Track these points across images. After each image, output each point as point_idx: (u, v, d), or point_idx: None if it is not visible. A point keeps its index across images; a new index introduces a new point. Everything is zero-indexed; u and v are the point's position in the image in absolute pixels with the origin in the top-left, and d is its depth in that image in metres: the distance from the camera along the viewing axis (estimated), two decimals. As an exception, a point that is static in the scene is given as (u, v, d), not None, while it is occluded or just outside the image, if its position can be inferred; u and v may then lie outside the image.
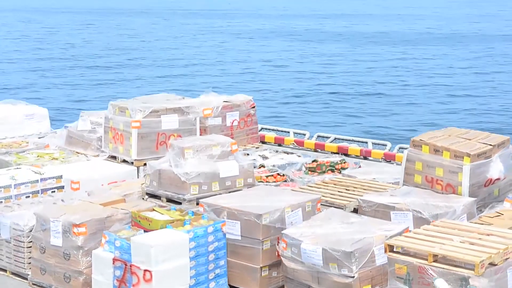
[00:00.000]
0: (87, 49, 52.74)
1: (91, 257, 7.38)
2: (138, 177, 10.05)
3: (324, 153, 13.06)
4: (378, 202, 7.96)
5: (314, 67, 44.05)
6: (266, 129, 14.84)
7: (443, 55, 49.56)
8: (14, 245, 8.15)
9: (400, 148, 13.22)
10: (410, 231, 7.15)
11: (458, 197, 8.13)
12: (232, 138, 11.12)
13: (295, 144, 13.60)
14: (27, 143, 11.54)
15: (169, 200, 8.47)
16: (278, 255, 7.35)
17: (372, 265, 6.80)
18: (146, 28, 72.85)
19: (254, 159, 10.69)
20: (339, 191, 8.69)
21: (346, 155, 12.86)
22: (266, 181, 9.59)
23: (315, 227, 7.29)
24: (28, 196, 8.92)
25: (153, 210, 7.78)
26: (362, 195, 8.34)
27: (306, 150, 13.33)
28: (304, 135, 14.32)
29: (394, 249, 6.54)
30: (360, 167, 10.44)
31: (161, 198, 8.55)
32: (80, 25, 75.78)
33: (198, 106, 10.95)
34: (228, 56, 49.79)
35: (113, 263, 7.09)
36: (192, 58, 48.65)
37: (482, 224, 7.35)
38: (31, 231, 7.97)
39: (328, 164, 10.38)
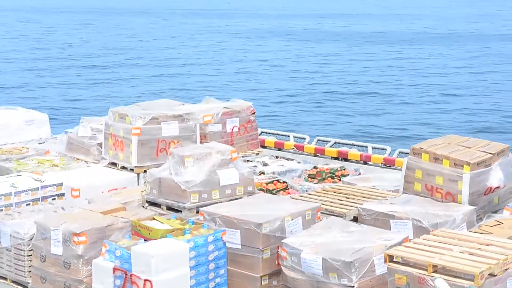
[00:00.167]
0: (84, 49, 53.02)
1: (91, 266, 7.38)
2: (138, 184, 10.06)
3: (324, 157, 13.08)
4: (378, 211, 7.98)
5: (309, 67, 44.38)
6: (266, 133, 14.87)
7: (439, 55, 49.96)
8: (14, 253, 8.16)
9: (400, 152, 13.25)
10: (410, 240, 7.17)
11: (458, 206, 8.14)
12: (232, 144, 11.20)
13: (295, 148, 13.62)
14: (27, 149, 11.55)
15: (169, 208, 8.48)
16: (278, 264, 7.36)
17: (372, 275, 6.80)
18: (145, 27, 73.07)
19: (255, 166, 10.71)
20: (339, 199, 8.70)
21: (346, 160, 12.89)
22: (266, 188, 9.60)
23: (315, 236, 7.30)
24: (29, 204, 8.93)
25: (153, 219, 7.79)
26: (362, 204, 8.36)
27: (306, 154, 13.35)
28: (304, 139, 14.35)
29: (394, 259, 6.57)
30: (360, 174, 10.45)
31: (161, 206, 8.56)
32: (79, 24, 75.98)
33: (198, 112, 10.96)
34: (224, 56, 50.12)
35: (114, 273, 7.10)
36: (188, 58, 48.95)
37: (482, 233, 7.36)
38: (31, 239, 7.98)
39: (328, 171, 10.40)
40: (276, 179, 9.89)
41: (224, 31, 69.17)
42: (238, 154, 11.11)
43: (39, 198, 9.05)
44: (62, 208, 8.47)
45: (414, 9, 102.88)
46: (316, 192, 9.13)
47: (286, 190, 9.68)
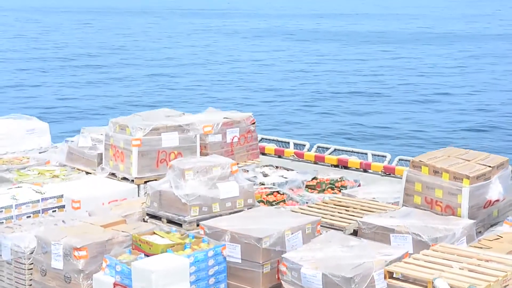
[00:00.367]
0: (81, 49, 53.27)
1: (92, 280, 7.40)
2: (138, 195, 10.08)
3: (324, 165, 13.12)
4: (378, 225, 8.00)
5: (303, 66, 44.76)
6: (265, 139, 14.91)
7: (434, 55, 50.25)
8: (15, 266, 8.16)
9: (399, 159, 13.30)
10: (409, 255, 7.19)
11: (458, 219, 8.16)
12: (232, 154, 11.24)
13: (295, 156, 13.66)
14: (28, 159, 11.56)
15: (170, 221, 8.51)
16: (278, 278, 7.37)
17: (372, 291, 6.82)
18: (143, 27, 73.44)
19: (254, 176, 10.73)
20: (339, 212, 8.72)
21: (346, 167, 12.92)
22: (266, 200, 9.62)
23: (315, 250, 7.30)
24: (29, 216, 8.94)
25: (154, 233, 7.81)
26: (361, 217, 8.38)
27: (306, 162, 13.38)
28: (304, 145, 14.38)
29: (394, 275, 6.58)
30: (359, 185, 10.46)
31: (162, 219, 8.59)
32: (77, 24, 76.24)
33: (198, 123, 10.98)
34: (218, 55, 50.44)
35: (114, 288, 7.13)
36: (182, 58, 49.21)
37: (482, 248, 7.37)
38: (32, 253, 7.99)
39: (328, 182, 10.42)
40: (276, 190, 9.90)
41: (221, 31, 69.64)
42: (238, 164, 11.21)
43: (39, 210, 9.06)
44: (63, 221, 8.46)
45: (413, 9, 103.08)
46: (316, 204, 9.15)
47: (286, 202, 9.70)
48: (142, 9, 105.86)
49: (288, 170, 11.22)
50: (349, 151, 14.04)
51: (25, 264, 8.05)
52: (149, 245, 7.47)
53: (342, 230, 8.19)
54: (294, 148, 14.29)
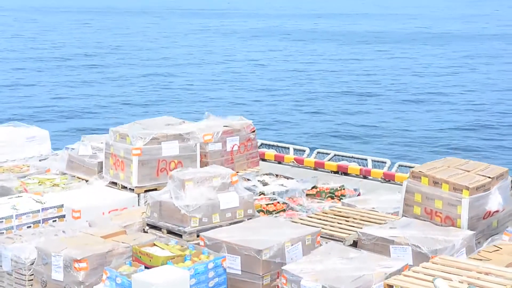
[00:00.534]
0: (78, 48, 53.48)
1: (92, 292, 7.43)
2: (139, 204, 10.09)
3: (324, 171, 13.14)
4: (378, 236, 8.01)
5: (297, 66, 45.09)
6: (265, 144, 14.93)
7: (429, 55, 50.51)
8: (15, 277, 8.18)
9: (399, 165, 13.32)
10: (409, 266, 7.21)
11: (457, 230, 8.18)
12: (232, 162, 11.25)
13: (295, 162, 13.68)
14: (28, 167, 11.57)
15: (170, 232, 8.51)
16: (279, 290, 7.40)
17: (371, 303, 6.84)
18: (141, 27, 73.57)
19: (254, 185, 10.74)
20: (338, 223, 8.73)
21: (346, 174, 12.95)
22: (266, 210, 9.63)
23: (315, 262, 7.32)
24: (30, 226, 8.96)
25: (154, 244, 7.83)
26: (361, 227, 8.39)
27: (306, 168, 13.41)
28: (304, 151, 14.41)
29: (393, 289, 6.61)
30: (359, 194, 10.48)
31: (162, 229, 8.59)
32: (76, 24, 76.36)
33: (198, 131, 10.98)
34: (214, 55, 50.68)
35: (114, 300, 7.14)
36: (178, 57, 49.44)
37: (481, 259, 7.40)
38: (32, 264, 8.01)
39: (328, 190, 10.43)
40: (276, 200, 9.92)
41: (219, 31, 69.84)
42: (238, 172, 11.22)
43: (40, 220, 9.08)
44: (63, 232, 8.49)
45: (413, 9, 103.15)
46: (316, 214, 9.16)
47: (286, 211, 9.71)
48: (141, 9, 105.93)
49: (288, 179, 11.22)
50: (349, 157, 14.07)
51: (25, 275, 8.08)
52: (150, 257, 7.49)
53: (342, 241, 8.20)
54: (294, 153, 14.32)
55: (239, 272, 7.58)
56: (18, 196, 9.59)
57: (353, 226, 8.57)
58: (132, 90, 36.11)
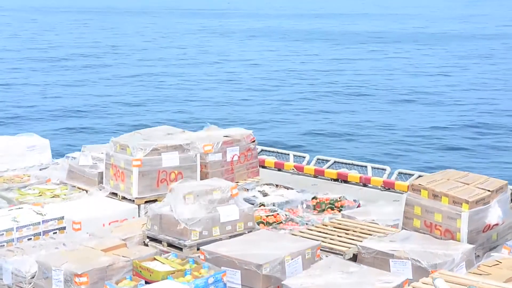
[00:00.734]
0: (75, 48, 53.57)
1: (92, 307, 7.45)
2: (139, 215, 10.12)
3: (324, 179, 13.17)
4: (377, 250, 8.03)
5: (290, 65, 45.24)
6: (265, 151, 14.97)
7: (425, 55, 50.72)
8: (16, 291, 8.21)
9: (399, 173, 13.34)
10: (409, 281, 7.23)
11: (457, 244, 8.20)
12: (232, 173, 11.29)
13: (295, 169, 13.71)
14: (29, 176, 11.59)
15: (170, 245, 8.53)
16: (279, 304, 7.42)
17: (371, 319, 6.86)
18: (140, 27, 73.81)
19: (254, 196, 10.76)
20: (338, 235, 8.75)
21: (346, 181, 12.97)
22: (266, 221, 9.65)
23: (315, 277, 7.33)
24: (30, 239, 8.98)
25: (154, 259, 7.85)
26: (361, 240, 8.41)
27: (306, 176, 13.43)
28: (304, 157, 14.44)
29: (393, 305, 6.63)
30: (359, 205, 10.49)
31: (162, 242, 8.61)
32: (75, 24, 76.52)
33: (198, 142, 11.01)
34: (209, 55, 51.04)
35: (115, 315, 7.16)
36: (173, 57, 49.70)
37: (481, 274, 7.41)
38: (33, 277, 8.01)
39: (328, 201, 10.44)
40: (276, 212, 9.93)
41: (217, 31, 70.07)
42: (238, 182, 11.25)
43: (40, 232, 9.08)
44: (64, 244, 8.50)
45: (412, 9, 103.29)
46: (316, 226, 9.18)
47: (286, 223, 9.73)
48: (141, 9, 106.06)
49: (288, 189, 11.23)
50: (348, 164, 14.11)
51: (26, 288, 8.09)
52: (150, 272, 7.50)
53: (342, 255, 8.22)
54: (293, 160, 14.36)
55: (239, 287, 7.58)
56: (19, 208, 9.60)
57: (353, 239, 8.59)
58: (124, 90, 36.34)
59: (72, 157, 12.00)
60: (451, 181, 8.77)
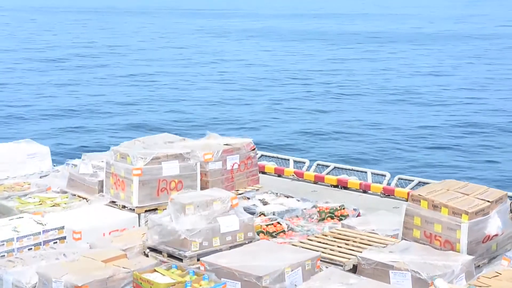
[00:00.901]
0: (73, 49, 53.71)
1: (93, 319, 7.45)
2: (139, 225, 10.13)
3: (324, 185, 13.19)
4: (377, 261, 8.04)
5: (284, 65, 45.28)
6: (266, 156, 14.99)
7: (420, 55, 50.77)
8: (16, 302, 8.22)
9: (399, 179, 13.37)
10: (408, 293, 7.26)
11: (457, 255, 8.20)
12: (232, 181, 11.30)
13: (295, 175, 13.73)
14: (29, 184, 11.60)
15: (170, 255, 8.54)
16: (278, 316, 7.43)
17: (371, 332, 6.87)
18: (138, 27, 73.86)
19: (254, 204, 10.76)
20: (338, 246, 8.76)
21: (346, 188, 12.99)
22: (266, 231, 9.66)
23: (314, 289, 7.36)
24: (31, 249, 8.99)
25: (155, 270, 7.85)
26: (361, 251, 8.42)
27: (306, 182, 13.46)
28: (304, 163, 14.46)
29: (393, 319, 6.64)
30: (359, 214, 10.51)
31: (162, 253, 8.62)
32: (74, 24, 76.59)
33: (199, 150, 11.02)
34: (204, 55, 51.17)
35: (115, 328, 7.17)
36: (169, 57, 49.85)
37: (481, 286, 7.42)
38: (33, 288, 8.05)
39: (328, 210, 10.45)
40: (276, 221, 9.94)
41: (214, 31, 70.13)
42: (238, 191, 11.27)
43: (41, 242, 9.10)
44: (64, 255, 8.50)
45: (412, 9, 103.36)
46: (316, 236, 9.19)
47: (286, 232, 9.74)
48: (141, 9, 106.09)
49: (288, 197, 11.24)
50: (348, 169, 14.13)
51: (26, 300, 8.09)
52: (150, 283, 7.50)
53: (342, 266, 8.23)
54: (293, 165, 14.38)
55: (239, 298, 7.60)
56: (19, 217, 9.61)
57: (353, 250, 8.60)
58: (118, 90, 36.51)
59: (73, 164, 12.00)
60: (451, 192, 8.78)
